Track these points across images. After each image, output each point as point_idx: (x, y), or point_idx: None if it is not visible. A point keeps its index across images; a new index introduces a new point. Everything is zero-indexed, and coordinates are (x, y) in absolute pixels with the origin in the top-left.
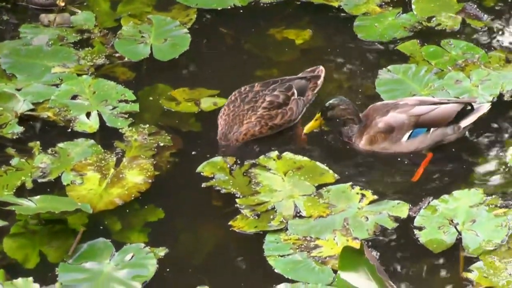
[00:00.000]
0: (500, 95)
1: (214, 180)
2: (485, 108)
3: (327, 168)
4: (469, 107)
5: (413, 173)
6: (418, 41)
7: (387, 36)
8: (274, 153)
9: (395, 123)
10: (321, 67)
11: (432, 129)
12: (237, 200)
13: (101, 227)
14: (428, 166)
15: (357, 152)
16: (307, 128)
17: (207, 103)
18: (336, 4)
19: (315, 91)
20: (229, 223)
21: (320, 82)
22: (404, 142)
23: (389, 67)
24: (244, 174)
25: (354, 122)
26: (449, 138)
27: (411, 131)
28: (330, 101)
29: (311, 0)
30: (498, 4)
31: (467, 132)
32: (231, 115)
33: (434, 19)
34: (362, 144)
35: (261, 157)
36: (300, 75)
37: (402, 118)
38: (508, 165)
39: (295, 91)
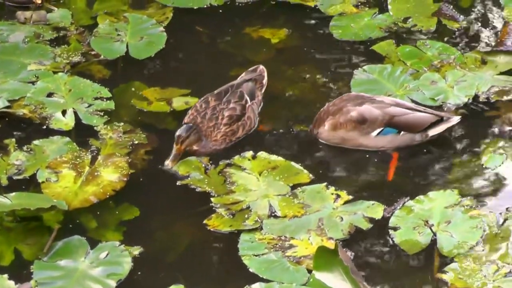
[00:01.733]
0: (476, 96)
1: (189, 178)
2: (455, 120)
3: (301, 168)
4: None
5: (386, 173)
6: (394, 41)
7: (363, 36)
8: (249, 153)
9: (369, 116)
10: (262, 66)
11: (402, 132)
12: (212, 199)
13: (76, 225)
14: (403, 166)
15: (332, 152)
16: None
17: (179, 103)
18: (312, 4)
19: (262, 91)
20: (204, 221)
21: (265, 81)
22: (373, 137)
23: (364, 67)
24: (219, 173)
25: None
26: (416, 143)
27: (382, 128)
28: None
29: (287, 0)
30: (474, 5)
31: (444, 133)
32: (200, 125)
33: (410, 19)
34: (324, 129)
35: (236, 157)
36: (243, 76)
37: (377, 113)
38: (484, 166)
39: (247, 97)
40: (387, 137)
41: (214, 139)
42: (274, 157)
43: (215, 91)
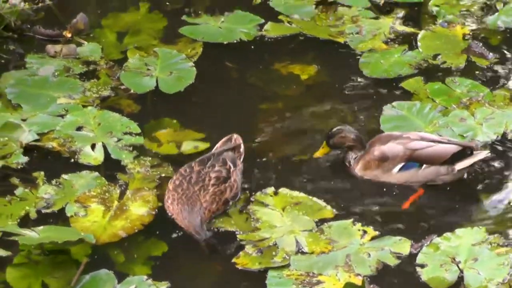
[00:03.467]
0: (504, 134)
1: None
2: (483, 154)
3: (324, 203)
4: (468, 151)
5: (413, 209)
6: (422, 78)
7: (392, 73)
8: (271, 189)
9: (389, 153)
10: (235, 135)
11: (424, 166)
12: (237, 236)
13: (104, 259)
14: (431, 202)
15: (353, 186)
16: (317, 154)
17: (188, 146)
18: (342, 40)
19: (241, 159)
20: (233, 260)
21: (242, 150)
22: (395, 173)
23: (393, 104)
24: (241, 211)
25: (356, 148)
26: (443, 179)
27: (403, 164)
28: (333, 129)
29: (317, 36)
30: (503, 43)
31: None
32: (184, 198)
33: (439, 56)
34: (357, 169)
35: (258, 193)
36: (220, 146)
37: (398, 149)
38: (511, 204)
39: (231, 164)
40: (410, 171)
41: (204, 200)
42: (296, 193)
43: (198, 159)
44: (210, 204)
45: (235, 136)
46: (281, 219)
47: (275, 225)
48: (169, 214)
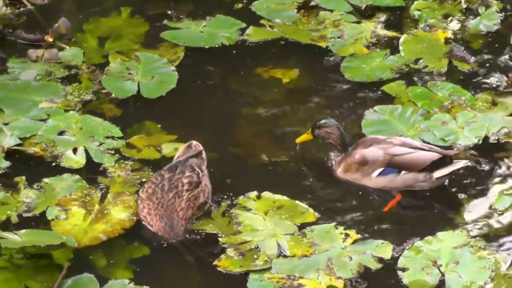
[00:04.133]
0: (486, 138)
1: (194, 224)
2: (462, 163)
3: (307, 206)
4: (448, 159)
5: (395, 213)
6: (404, 82)
7: (374, 77)
8: (254, 193)
9: (370, 157)
10: (194, 142)
11: (403, 172)
12: (219, 239)
13: (86, 263)
14: (414, 206)
15: (336, 190)
16: (299, 139)
17: (168, 149)
18: (323, 45)
19: (205, 164)
20: (214, 263)
21: (204, 155)
22: (374, 177)
23: (375, 108)
24: (223, 215)
25: (336, 149)
26: (421, 185)
27: (382, 169)
28: (322, 120)
29: (299, 40)
30: (485, 47)
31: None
32: (160, 207)
33: (421, 61)
34: (339, 171)
35: (241, 197)
36: (182, 154)
37: (378, 154)
38: (493, 207)
39: (198, 169)
40: (387, 177)
41: (180, 208)
42: (278, 197)
43: (166, 167)
44: (186, 211)
45: (194, 142)
46: (263, 223)
47: (257, 228)
48: (146, 224)
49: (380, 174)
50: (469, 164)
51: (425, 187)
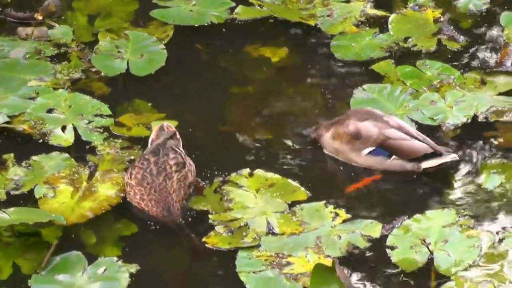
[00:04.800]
0: (475, 116)
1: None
2: (451, 157)
3: (298, 185)
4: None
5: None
6: (393, 61)
7: (364, 56)
8: (246, 171)
9: (364, 133)
10: (165, 123)
11: (393, 157)
12: (210, 216)
13: (75, 240)
14: (403, 185)
15: (328, 168)
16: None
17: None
18: (312, 23)
19: (181, 145)
20: (203, 239)
21: (178, 136)
22: (363, 155)
23: (364, 86)
24: (216, 191)
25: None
26: (407, 173)
27: (373, 148)
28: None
29: (288, 19)
30: (474, 26)
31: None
32: (153, 191)
33: (410, 39)
34: (326, 136)
35: (233, 174)
36: (156, 137)
37: (373, 131)
38: (482, 186)
39: (179, 150)
40: (377, 158)
41: (172, 190)
42: (271, 175)
43: (148, 151)
44: (178, 192)
45: (165, 124)
46: (254, 201)
47: (248, 206)
48: (140, 209)
49: (370, 153)
50: (457, 158)
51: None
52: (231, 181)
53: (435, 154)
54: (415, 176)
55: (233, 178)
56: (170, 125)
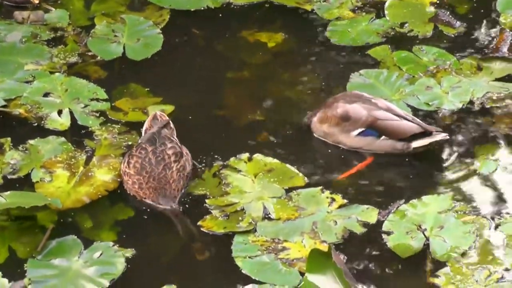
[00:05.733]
0: (470, 102)
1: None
2: (440, 136)
3: (297, 171)
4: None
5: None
6: (389, 46)
7: (360, 41)
8: (245, 155)
9: (353, 114)
10: (158, 112)
11: (382, 137)
12: (206, 200)
13: (71, 225)
14: (399, 171)
15: (325, 153)
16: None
17: (155, 111)
18: (309, 8)
19: (175, 134)
20: (199, 223)
21: (172, 125)
22: (353, 136)
23: (361, 71)
24: (215, 175)
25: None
26: (396, 152)
27: (363, 129)
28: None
29: (284, 3)
30: (470, 11)
31: (439, 138)
32: (152, 180)
33: (406, 25)
34: (314, 121)
35: (232, 158)
36: (150, 125)
37: (362, 113)
38: (477, 172)
39: (174, 139)
40: (366, 139)
41: (172, 180)
42: (269, 160)
43: (144, 140)
44: (178, 182)
45: (158, 113)
46: (252, 185)
47: (245, 190)
48: (138, 198)
49: (360, 134)
50: (447, 137)
51: (398, 153)
52: (230, 165)
53: (425, 134)
54: (406, 159)
55: (232, 162)
56: (163, 114)
